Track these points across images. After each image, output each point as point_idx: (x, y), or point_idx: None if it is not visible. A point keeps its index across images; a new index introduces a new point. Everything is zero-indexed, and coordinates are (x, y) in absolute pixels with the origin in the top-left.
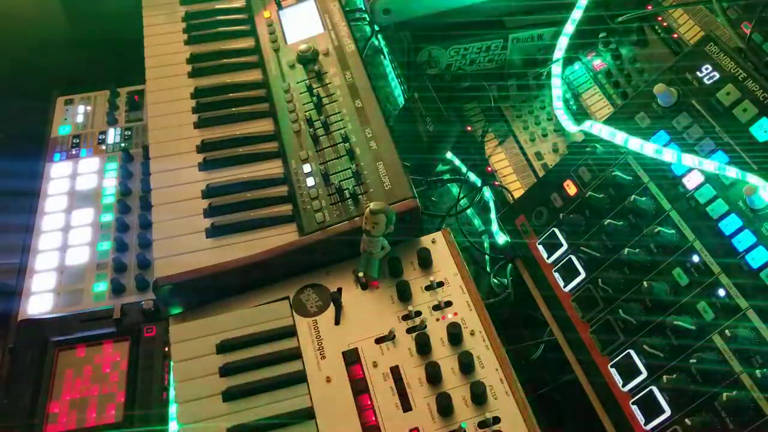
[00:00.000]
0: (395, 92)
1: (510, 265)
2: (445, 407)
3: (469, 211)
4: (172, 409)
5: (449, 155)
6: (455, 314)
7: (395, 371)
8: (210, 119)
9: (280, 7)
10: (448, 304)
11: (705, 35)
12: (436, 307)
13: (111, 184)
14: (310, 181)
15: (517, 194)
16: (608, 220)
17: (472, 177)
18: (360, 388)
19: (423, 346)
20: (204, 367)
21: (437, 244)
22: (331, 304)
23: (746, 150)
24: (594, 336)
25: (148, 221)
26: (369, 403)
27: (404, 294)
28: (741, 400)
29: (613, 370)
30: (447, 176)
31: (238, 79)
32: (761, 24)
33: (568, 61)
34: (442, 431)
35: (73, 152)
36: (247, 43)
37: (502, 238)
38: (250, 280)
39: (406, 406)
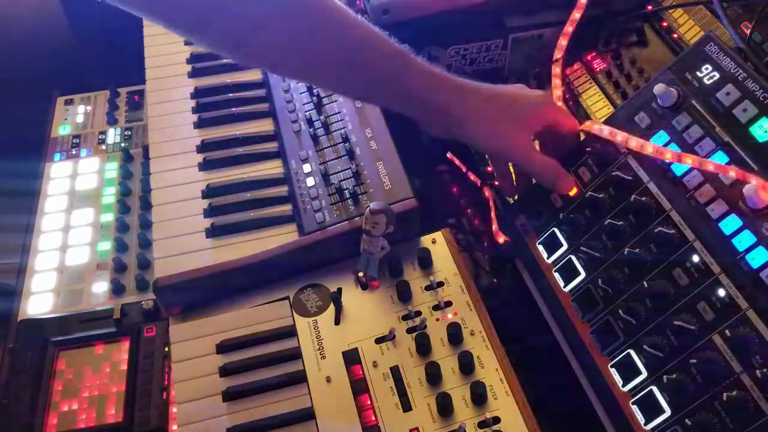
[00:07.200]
0: None
1: (510, 265)
2: (445, 407)
3: (468, 211)
4: (172, 409)
5: (449, 155)
6: (455, 314)
7: (395, 371)
8: (210, 119)
9: None
10: (448, 304)
11: (705, 35)
12: (436, 307)
13: (111, 184)
14: (310, 181)
15: None
16: (608, 220)
17: (472, 177)
18: (360, 388)
19: (423, 346)
20: (204, 367)
21: (437, 244)
22: (331, 304)
23: (746, 150)
24: (594, 336)
25: (148, 221)
26: (369, 403)
27: (404, 294)
28: (741, 400)
29: (613, 370)
30: (447, 176)
31: (238, 79)
32: (761, 24)
33: (568, 61)
34: (442, 431)
35: (73, 152)
36: None
37: (502, 238)
38: (250, 280)
39: (406, 406)
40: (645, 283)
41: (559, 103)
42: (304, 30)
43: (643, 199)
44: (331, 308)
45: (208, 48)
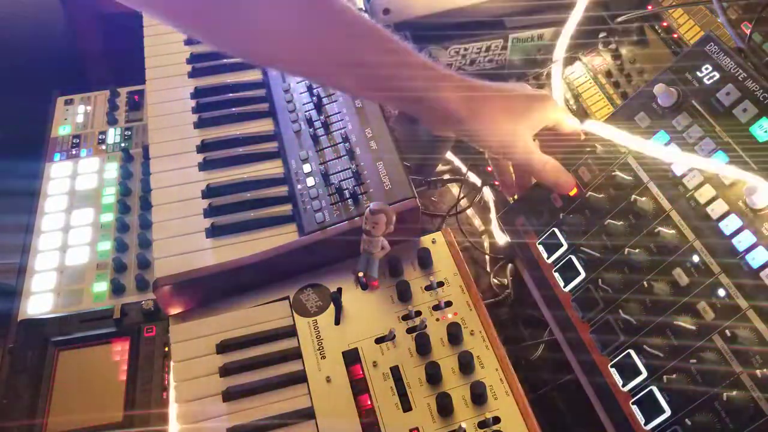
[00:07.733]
0: None
1: (510, 265)
2: (445, 407)
3: (469, 211)
4: (172, 409)
5: (449, 155)
6: (455, 314)
7: (395, 371)
8: (210, 119)
9: None
10: (448, 304)
11: (705, 35)
12: (436, 307)
13: (111, 184)
14: (310, 181)
15: None
16: (608, 220)
17: (472, 177)
18: (360, 388)
19: (423, 346)
20: (204, 367)
21: (437, 244)
22: (331, 304)
23: (746, 150)
24: (594, 336)
25: (148, 221)
26: (369, 403)
27: (404, 294)
28: (741, 400)
29: (613, 370)
30: (447, 176)
31: (238, 79)
32: (761, 24)
33: (568, 61)
34: (442, 431)
35: (73, 152)
36: None
37: (502, 238)
38: (250, 280)
39: (406, 406)
40: (645, 283)
41: (560, 103)
42: (309, 27)
43: (643, 199)
44: (331, 308)
45: (212, 48)
